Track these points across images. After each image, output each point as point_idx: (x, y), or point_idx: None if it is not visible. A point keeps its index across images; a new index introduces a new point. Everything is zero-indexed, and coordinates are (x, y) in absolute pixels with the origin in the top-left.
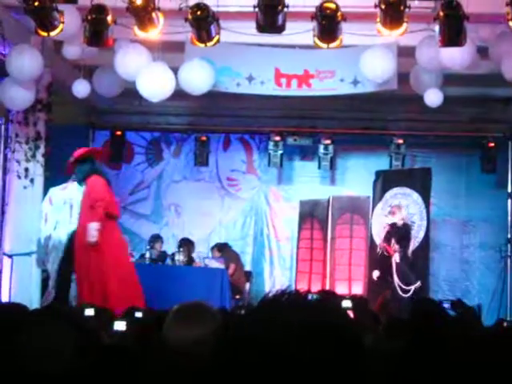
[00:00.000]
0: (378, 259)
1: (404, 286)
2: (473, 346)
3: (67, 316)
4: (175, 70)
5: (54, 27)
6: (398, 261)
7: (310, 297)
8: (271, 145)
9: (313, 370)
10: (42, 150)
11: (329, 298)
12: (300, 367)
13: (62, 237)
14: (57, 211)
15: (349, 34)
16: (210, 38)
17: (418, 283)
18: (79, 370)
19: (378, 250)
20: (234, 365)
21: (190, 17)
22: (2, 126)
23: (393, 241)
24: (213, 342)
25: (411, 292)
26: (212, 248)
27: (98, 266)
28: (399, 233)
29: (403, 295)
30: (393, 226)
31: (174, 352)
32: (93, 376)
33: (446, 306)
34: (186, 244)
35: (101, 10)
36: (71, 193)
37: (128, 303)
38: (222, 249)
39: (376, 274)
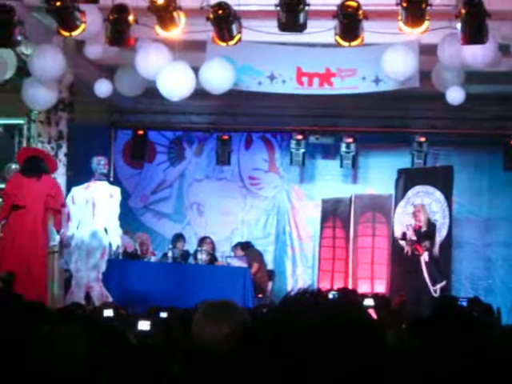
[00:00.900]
0: (406, 257)
1: (431, 285)
2: (491, 344)
3: (87, 317)
4: (196, 69)
5: (76, 27)
6: (427, 260)
7: (331, 295)
8: (293, 143)
9: (335, 367)
10: (64, 149)
11: (349, 295)
12: (322, 364)
13: (84, 236)
14: (79, 210)
15: (370, 32)
16: (231, 37)
17: (444, 282)
18: (95, 369)
19: (406, 248)
20: (259, 361)
21: (211, 16)
22: (25, 126)
23: (423, 239)
24: (240, 339)
25: (438, 290)
26: (235, 246)
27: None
28: (429, 231)
29: (433, 294)
30: (422, 225)
31: (203, 350)
32: (113, 374)
33: (464, 303)
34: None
35: (122, 9)
36: (94, 192)
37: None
38: (246, 248)
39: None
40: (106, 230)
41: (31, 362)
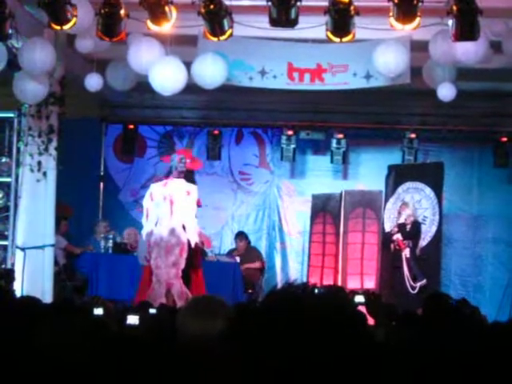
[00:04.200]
0: (391, 252)
1: (412, 282)
2: (484, 340)
3: (82, 310)
4: (188, 64)
5: (67, 21)
6: (408, 256)
7: (316, 291)
8: (284, 139)
9: (320, 354)
10: (54, 143)
11: (335, 290)
12: (309, 350)
13: (163, 233)
14: (157, 207)
15: (362, 28)
16: (222, 32)
17: (424, 281)
18: (94, 361)
19: (392, 244)
20: (242, 353)
21: (202, 10)
22: (15, 120)
23: (406, 237)
24: (225, 334)
25: (417, 289)
26: (240, 234)
27: None
28: (412, 231)
29: (411, 291)
30: (405, 222)
31: (187, 345)
32: (107, 367)
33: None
34: None
35: (114, 3)
36: (171, 189)
37: None
38: (251, 247)
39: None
40: (183, 227)
41: (36, 356)
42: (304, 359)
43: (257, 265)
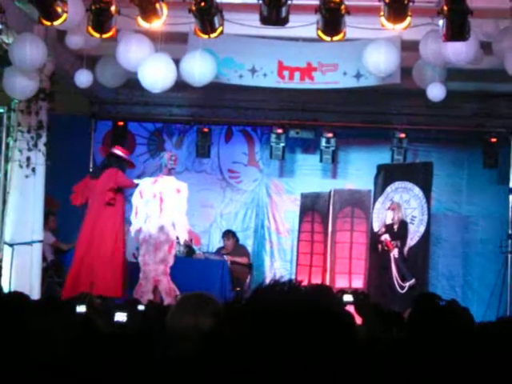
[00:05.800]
0: (379, 252)
1: (400, 282)
2: (473, 340)
3: (67, 307)
4: (178, 61)
5: (58, 17)
6: (396, 256)
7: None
8: (273, 137)
9: (301, 353)
10: (43, 139)
11: (324, 290)
12: (290, 350)
13: (152, 230)
14: (147, 204)
15: (352, 27)
16: (213, 30)
17: (413, 281)
18: (79, 357)
19: (379, 244)
20: (224, 350)
21: (193, 8)
22: (5, 115)
23: (394, 237)
24: (213, 331)
25: (406, 288)
26: (228, 233)
27: None
28: (400, 231)
29: (400, 290)
30: (392, 222)
31: (178, 341)
32: (94, 363)
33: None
34: None
35: None
36: (161, 186)
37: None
38: (239, 245)
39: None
40: (173, 225)
41: (23, 351)
42: (290, 356)
43: (243, 260)
